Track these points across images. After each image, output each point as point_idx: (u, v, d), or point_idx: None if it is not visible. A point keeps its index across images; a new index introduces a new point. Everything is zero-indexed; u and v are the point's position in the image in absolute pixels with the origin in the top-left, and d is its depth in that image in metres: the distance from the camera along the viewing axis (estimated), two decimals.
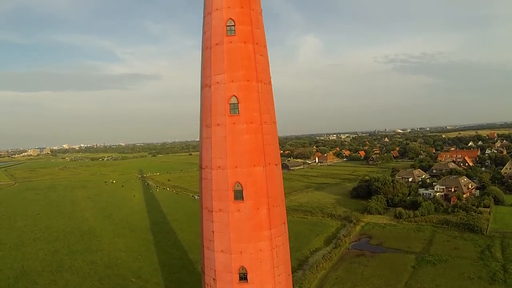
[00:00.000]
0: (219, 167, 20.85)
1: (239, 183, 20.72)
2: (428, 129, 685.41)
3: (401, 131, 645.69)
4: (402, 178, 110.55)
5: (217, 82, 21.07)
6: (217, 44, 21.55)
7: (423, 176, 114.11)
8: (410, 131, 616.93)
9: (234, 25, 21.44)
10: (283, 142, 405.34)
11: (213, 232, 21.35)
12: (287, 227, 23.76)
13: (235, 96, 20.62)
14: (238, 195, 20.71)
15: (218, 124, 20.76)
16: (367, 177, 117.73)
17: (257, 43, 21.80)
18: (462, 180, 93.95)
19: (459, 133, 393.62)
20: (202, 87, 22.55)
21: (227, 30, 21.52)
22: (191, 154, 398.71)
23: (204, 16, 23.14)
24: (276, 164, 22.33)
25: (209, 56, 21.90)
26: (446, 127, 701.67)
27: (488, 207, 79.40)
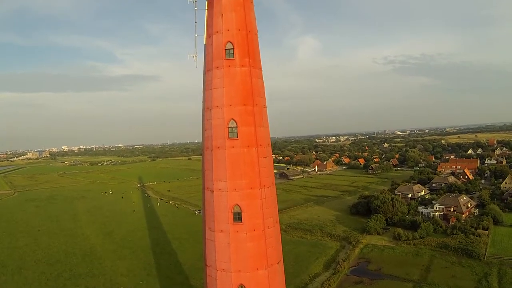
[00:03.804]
0: (223, 269, 21.25)
1: (243, 285, 21.11)
2: (427, 131, 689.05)
3: (401, 133, 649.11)
4: (402, 193, 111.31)
5: (219, 189, 20.93)
6: (218, 147, 21.01)
7: (422, 192, 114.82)
8: (409, 134, 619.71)
9: (237, 127, 20.66)
10: (282, 146, 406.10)
11: None
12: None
13: (238, 205, 20.72)
14: None
15: (222, 231, 21.00)
16: (366, 192, 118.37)
17: (260, 145, 21.30)
18: (461, 199, 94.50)
19: (459, 137, 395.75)
20: (204, 188, 22.44)
21: (228, 132, 20.79)
22: (190, 159, 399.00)
23: (203, 110, 22.30)
24: (278, 262, 22.69)
25: (210, 159, 21.52)
26: (445, 129, 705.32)
27: (487, 229, 79.92)
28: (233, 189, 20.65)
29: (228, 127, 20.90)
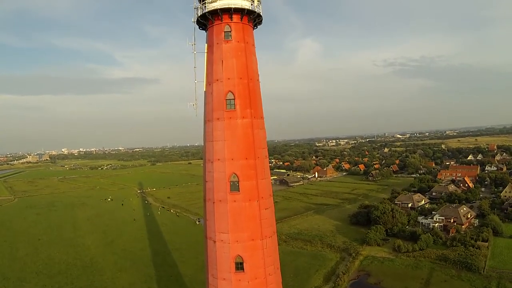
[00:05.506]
0: None
1: None
2: (427, 134, 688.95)
3: (401, 136, 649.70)
4: (402, 203, 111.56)
5: (222, 240, 21.05)
6: (220, 200, 20.97)
7: (422, 202, 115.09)
8: (409, 137, 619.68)
9: (238, 181, 20.49)
10: (282, 150, 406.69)
11: None
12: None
13: (240, 256, 20.86)
14: None
15: (224, 279, 21.17)
16: (366, 201, 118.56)
17: (262, 197, 21.25)
18: (461, 210, 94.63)
19: (459, 141, 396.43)
20: (206, 238, 22.63)
21: (230, 186, 20.63)
22: (190, 163, 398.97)
23: (204, 161, 22.14)
24: None
25: (212, 210, 21.60)
26: (445, 132, 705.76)
27: (487, 241, 80.00)
28: (235, 240, 20.71)
29: (230, 181, 20.71)
